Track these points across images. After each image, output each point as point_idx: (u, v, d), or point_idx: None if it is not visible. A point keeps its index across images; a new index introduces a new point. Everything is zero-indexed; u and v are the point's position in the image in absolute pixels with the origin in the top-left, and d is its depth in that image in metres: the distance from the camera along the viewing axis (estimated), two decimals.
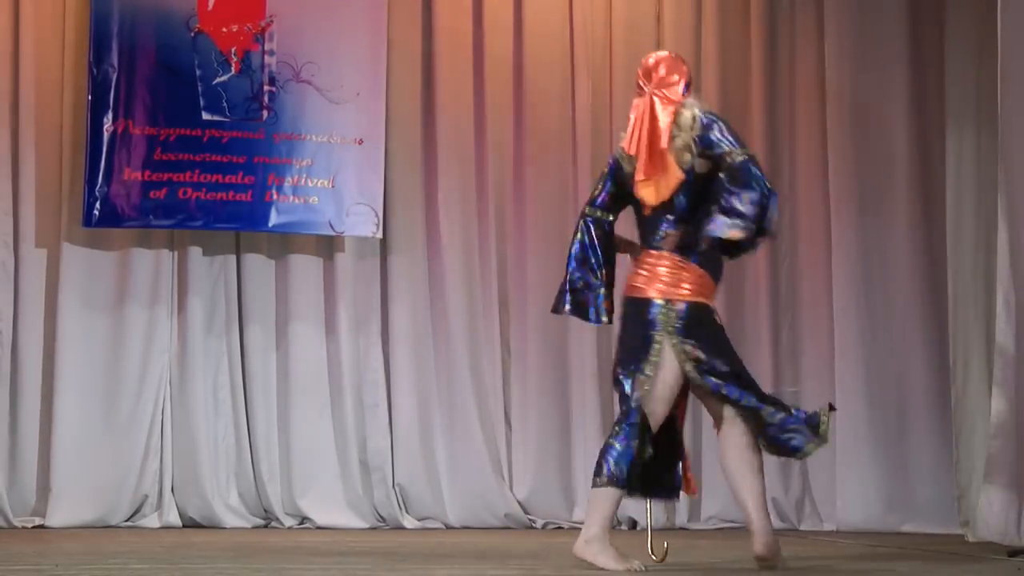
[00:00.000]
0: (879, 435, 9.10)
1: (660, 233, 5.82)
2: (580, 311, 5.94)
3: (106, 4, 8.72)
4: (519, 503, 9.01)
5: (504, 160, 9.28)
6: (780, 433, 5.80)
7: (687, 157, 5.78)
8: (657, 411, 5.75)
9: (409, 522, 8.89)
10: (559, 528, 9.00)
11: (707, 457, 9.18)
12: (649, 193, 5.81)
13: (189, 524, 8.72)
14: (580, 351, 9.18)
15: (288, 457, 8.91)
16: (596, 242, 5.96)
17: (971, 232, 9.13)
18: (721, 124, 5.83)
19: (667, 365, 5.73)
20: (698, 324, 5.76)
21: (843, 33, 9.28)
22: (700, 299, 5.78)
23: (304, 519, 8.85)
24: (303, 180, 8.91)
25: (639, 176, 5.81)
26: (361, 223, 8.96)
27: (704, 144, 5.78)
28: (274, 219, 8.89)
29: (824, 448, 9.02)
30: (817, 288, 9.27)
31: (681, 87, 5.93)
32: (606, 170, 6.03)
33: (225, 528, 8.67)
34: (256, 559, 6.08)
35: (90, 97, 8.69)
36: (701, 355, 5.73)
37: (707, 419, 9.16)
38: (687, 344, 5.73)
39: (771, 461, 9.09)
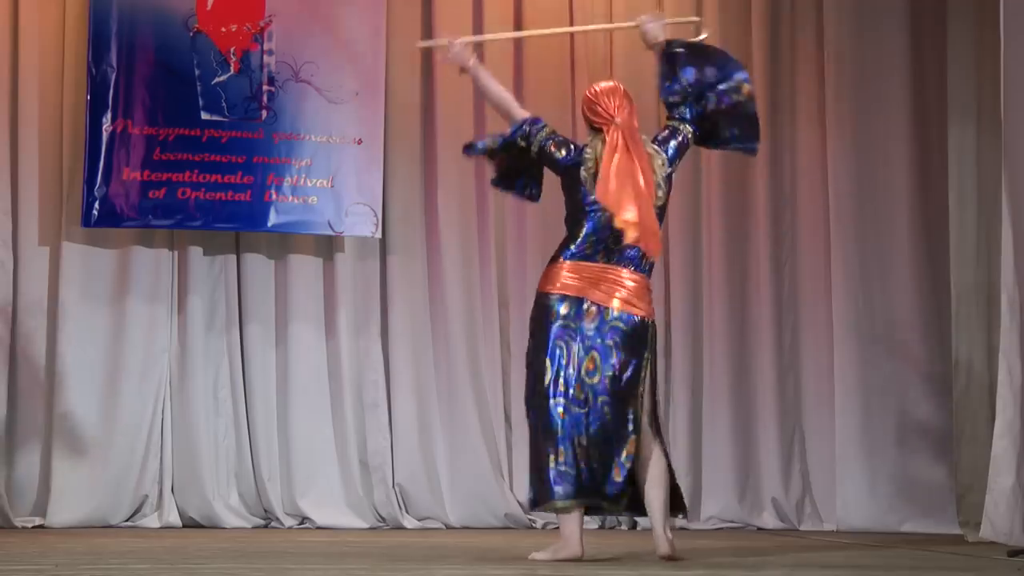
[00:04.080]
0: (879, 435, 9.09)
1: None
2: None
3: (105, 4, 8.70)
4: (519, 503, 8.99)
5: None
6: None
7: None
8: None
9: (409, 522, 8.88)
10: (559, 528, 8.97)
11: (706, 457, 9.17)
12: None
13: (189, 524, 8.71)
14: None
15: (288, 457, 8.90)
16: None
17: (973, 230, 9.14)
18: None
19: None
20: None
21: (843, 32, 9.28)
22: None
23: (304, 519, 8.84)
24: (302, 180, 8.90)
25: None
26: (360, 223, 8.95)
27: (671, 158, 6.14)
28: (273, 219, 8.88)
29: (824, 448, 9.15)
30: (817, 288, 9.27)
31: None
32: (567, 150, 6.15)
33: (225, 528, 8.66)
34: (256, 559, 6.07)
35: (89, 97, 8.68)
36: None
37: (707, 418, 9.24)
38: None
39: (771, 460, 9.19)
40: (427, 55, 9.22)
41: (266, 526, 8.80)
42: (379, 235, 9.01)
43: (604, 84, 6.24)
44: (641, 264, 6.04)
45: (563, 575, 5.46)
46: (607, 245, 6.02)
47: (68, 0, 8.85)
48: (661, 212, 6.09)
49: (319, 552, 6.64)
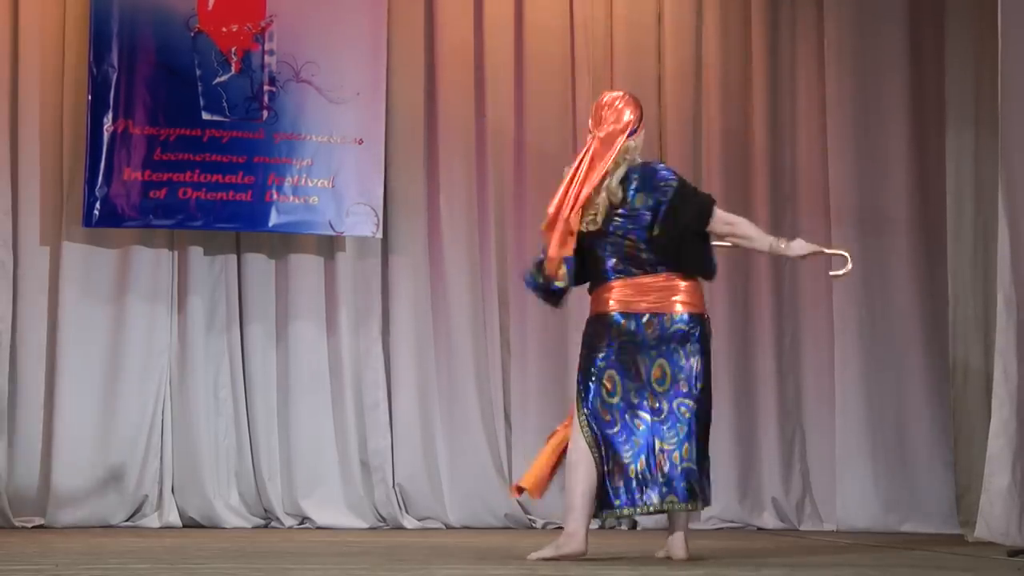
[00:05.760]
0: (879, 435, 9.11)
1: None
2: None
3: (106, 4, 8.71)
4: (519, 503, 9.00)
5: (505, 159, 9.28)
6: None
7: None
8: None
9: (409, 522, 8.88)
10: (559, 528, 8.96)
11: None
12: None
13: (189, 524, 8.72)
14: (579, 350, 9.16)
15: (288, 457, 8.91)
16: None
17: (971, 231, 9.16)
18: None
19: None
20: None
21: (843, 33, 9.30)
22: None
23: (304, 519, 8.84)
24: (303, 180, 8.91)
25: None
26: (361, 223, 8.96)
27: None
28: (274, 219, 8.88)
29: (824, 448, 9.17)
30: (817, 288, 9.27)
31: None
32: None
33: (225, 528, 8.66)
34: (256, 559, 6.07)
35: (90, 97, 8.69)
36: None
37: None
38: None
39: (772, 460, 9.19)
40: (429, 54, 9.22)
41: (266, 526, 8.80)
42: (380, 235, 9.01)
43: (609, 95, 6.22)
44: (676, 265, 6.04)
45: (564, 575, 5.46)
46: (638, 257, 6.02)
47: (69, 0, 8.86)
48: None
49: (319, 552, 6.64)
